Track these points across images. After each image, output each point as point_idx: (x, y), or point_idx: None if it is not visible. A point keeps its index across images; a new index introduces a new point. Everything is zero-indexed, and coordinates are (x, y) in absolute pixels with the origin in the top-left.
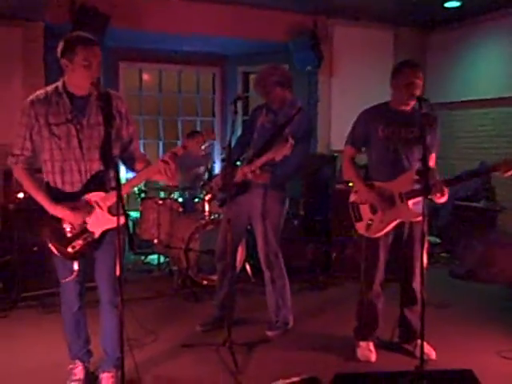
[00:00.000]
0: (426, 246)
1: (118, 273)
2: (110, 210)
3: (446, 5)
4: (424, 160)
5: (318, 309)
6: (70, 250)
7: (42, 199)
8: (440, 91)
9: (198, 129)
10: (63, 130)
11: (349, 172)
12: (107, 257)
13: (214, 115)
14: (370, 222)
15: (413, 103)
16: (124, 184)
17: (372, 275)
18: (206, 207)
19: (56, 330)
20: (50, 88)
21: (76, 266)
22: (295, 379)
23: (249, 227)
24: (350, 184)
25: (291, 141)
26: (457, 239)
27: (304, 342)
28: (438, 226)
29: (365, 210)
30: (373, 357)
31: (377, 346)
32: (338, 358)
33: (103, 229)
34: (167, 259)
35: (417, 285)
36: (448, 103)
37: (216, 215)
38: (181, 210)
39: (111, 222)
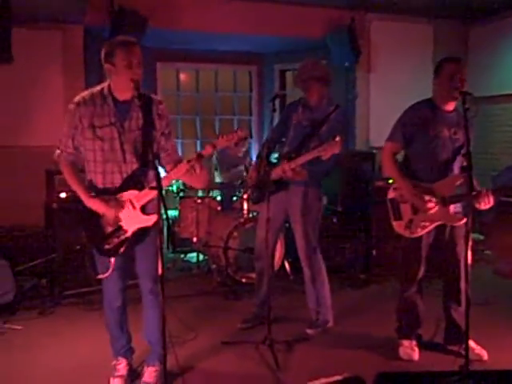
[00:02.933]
0: (470, 243)
1: (159, 270)
2: (142, 209)
3: None
4: (469, 159)
5: (359, 307)
6: (106, 246)
7: (80, 190)
8: (481, 85)
9: (235, 127)
10: (106, 132)
11: (391, 169)
12: (146, 252)
13: (251, 114)
14: (409, 223)
15: (455, 101)
16: (147, 190)
17: (413, 274)
18: (245, 205)
19: (99, 327)
20: (95, 90)
21: (112, 263)
22: (338, 378)
23: (287, 225)
24: (390, 181)
25: (339, 139)
26: (501, 236)
27: (344, 341)
28: (481, 223)
29: (406, 209)
30: (415, 355)
31: (420, 345)
32: (379, 357)
33: (136, 227)
34: (206, 257)
35: (463, 284)
36: (490, 97)
37: (255, 213)
38: (219, 208)
39: (144, 221)
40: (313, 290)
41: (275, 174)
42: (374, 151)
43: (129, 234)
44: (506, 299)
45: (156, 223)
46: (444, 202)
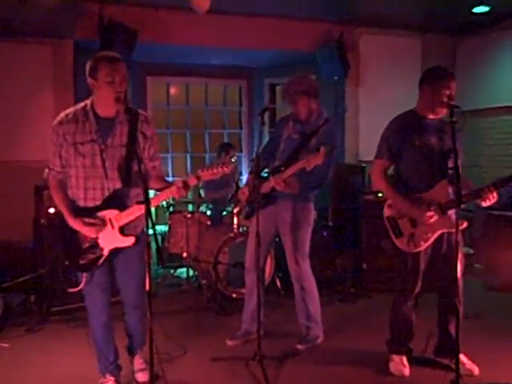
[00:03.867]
0: (460, 256)
1: (147, 287)
2: (121, 230)
3: (475, 10)
4: (456, 169)
5: (349, 321)
6: (81, 261)
7: (64, 210)
8: (470, 98)
9: (226, 141)
10: (88, 148)
11: (382, 187)
12: (128, 267)
13: (241, 127)
14: (411, 237)
15: (443, 112)
16: (129, 211)
17: (410, 288)
18: (235, 220)
19: (88, 344)
20: (79, 106)
21: (84, 277)
22: None
23: (277, 239)
24: (380, 194)
25: (323, 150)
26: (491, 250)
27: (335, 356)
28: (471, 237)
29: (404, 224)
30: (406, 371)
31: (410, 360)
32: (370, 373)
33: (112, 247)
34: (196, 273)
35: (460, 298)
36: (478, 110)
37: (245, 228)
38: (209, 223)
39: (121, 241)
40: (303, 305)
41: (265, 187)
42: (364, 165)
43: (105, 252)
44: (496, 313)
45: (136, 243)
46: (441, 208)
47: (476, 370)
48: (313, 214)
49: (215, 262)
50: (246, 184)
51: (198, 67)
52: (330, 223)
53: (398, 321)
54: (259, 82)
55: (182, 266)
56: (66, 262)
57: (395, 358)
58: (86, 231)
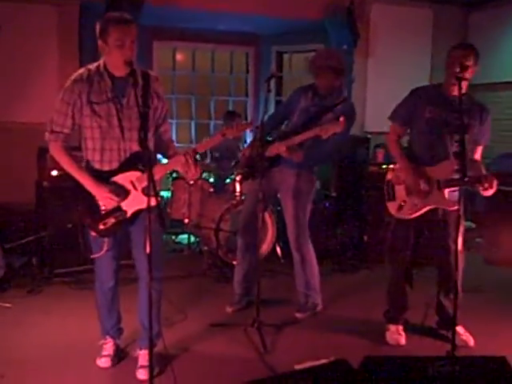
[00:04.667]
0: (461, 229)
1: (148, 250)
2: (143, 191)
3: None
4: (462, 147)
5: (349, 292)
6: (101, 226)
7: (83, 177)
8: (481, 71)
9: (231, 109)
10: (104, 108)
11: (393, 149)
12: (143, 234)
13: (247, 95)
14: (402, 204)
15: (464, 88)
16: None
17: (401, 259)
18: (237, 188)
19: (89, 306)
20: (92, 67)
21: (106, 243)
22: (324, 361)
23: (279, 208)
24: (384, 166)
25: (343, 119)
26: (493, 225)
27: (333, 325)
28: (473, 211)
29: (400, 190)
30: (402, 340)
31: (408, 330)
32: (367, 342)
33: (136, 208)
34: (197, 239)
35: (456, 272)
36: (487, 84)
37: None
38: (212, 190)
39: (144, 203)
40: (302, 274)
41: (270, 151)
42: (369, 136)
43: (128, 214)
44: (496, 287)
45: (156, 206)
46: (438, 185)
47: (471, 341)
48: (315, 185)
49: (217, 229)
50: (248, 146)
51: (205, 32)
52: (333, 194)
53: (392, 291)
54: (266, 49)
55: (183, 232)
56: (87, 228)
57: (391, 327)
58: (110, 201)
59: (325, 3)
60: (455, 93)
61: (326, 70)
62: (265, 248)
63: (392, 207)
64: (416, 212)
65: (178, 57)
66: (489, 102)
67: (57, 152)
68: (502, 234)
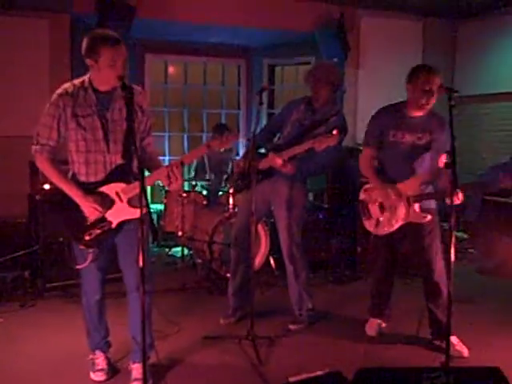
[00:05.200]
0: (453, 240)
1: (140, 263)
2: (129, 202)
3: None
4: (452, 153)
5: (343, 303)
6: (86, 237)
7: (68, 187)
8: (469, 83)
9: (223, 121)
10: (89, 121)
11: (365, 169)
12: (130, 245)
13: (239, 108)
14: (377, 221)
15: (427, 108)
16: (135, 184)
17: (382, 260)
18: (230, 200)
19: (81, 320)
20: (76, 82)
21: (91, 254)
22: (318, 373)
23: (272, 220)
24: None
25: (337, 132)
26: (485, 235)
27: (327, 336)
28: (465, 221)
29: (374, 209)
30: (372, 331)
31: (402, 341)
32: (361, 354)
33: (121, 219)
34: (191, 252)
35: (438, 278)
36: (477, 96)
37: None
38: (205, 202)
39: (129, 213)
40: (296, 286)
41: (263, 163)
42: (361, 147)
43: (113, 225)
44: (489, 297)
45: (143, 217)
46: (408, 201)
47: (465, 352)
48: (307, 197)
49: (210, 242)
50: (243, 157)
51: (197, 45)
52: (326, 205)
53: (374, 290)
54: (258, 61)
55: (176, 245)
56: (72, 239)
57: (372, 320)
58: (95, 211)
59: (315, 16)
60: (418, 114)
61: (325, 83)
62: (258, 260)
63: (369, 225)
64: (392, 227)
65: (170, 70)
66: (479, 114)
67: (42, 164)
68: (494, 245)
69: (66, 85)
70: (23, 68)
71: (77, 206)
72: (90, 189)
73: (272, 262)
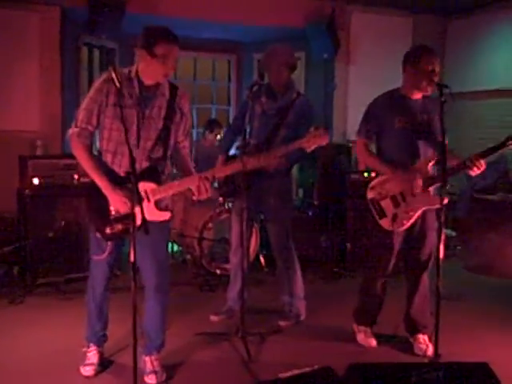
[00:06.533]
0: (442, 237)
1: (132, 259)
2: (156, 204)
3: None
4: (443, 145)
5: (332, 300)
6: (108, 230)
7: (99, 178)
8: (459, 80)
9: (213, 117)
10: (127, 113)
11: (369, 160)
12: (150, 244)
13: (229, 103)
14: (394, 216)
15: (429, 89)
16: (165, 187)
17: (384, 265)
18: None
19: (71, 316)
20: (122, 71)
21: (109, 246)
22: (309, 369)
23: (262, 216)
24: (365, 174)
25: (324, 131)
26: (473, 232)
27: (317, 333)
28: (454, 219)
29: (387, 204)
30: (373, 342)
31: (381, 339)
32: (351, 349)
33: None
34: (181, 248)
35: (426, 274)
36: (468, 92)
37: (230, 204)
38: (195, 198)
39: (156, 216)
40: (285, 282)
41: (252, 165)
42: (351, 144)
43: (137, 224)
44: (477, 294)
45: (171, 218)
46: (424, 184)
47: (430, 351)
48: (293, 190)
49: (200, 238)
50: (222, 162)
51: (187, 40)
52: (316, 202)
53: (368, 295)
54: (248, 57)
55: None
56: (93, 229)
57: (361, 329)
58: (123, 205)
59: (306, 12)
60: (417, 96)
61: (286, 66)
62: (249, 259)
63: (385, 223)
64: (411, 219)
65: None
66: (467, 111)
67: (78, 149)
68: (483, 242)
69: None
70: (12, 62)
71: (102, 197)
72: (120, 182)
73: (262, 259)
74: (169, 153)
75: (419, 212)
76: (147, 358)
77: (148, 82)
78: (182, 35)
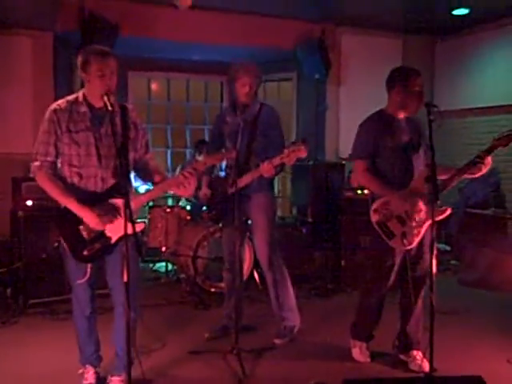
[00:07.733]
0: (435, 252)
1: (125, 278)
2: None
3: (454, 12)
4: (432, 163)
5: (326, 317)
6: (85, 252)
7: (69, 202)
8: (448, 98)
9: (206, 137)
10: (82, 137)
11: (371, 184)
12: (121, 263)
13: None
14: (403, 235)
15: (414, 109)
16: (143, 194)
17: (383, 283)
18: None
19: (64, 337)
20: (70, 98)
21: (89, 268)
22: None
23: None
24: (359, 191)
25: (303, 144)
26: (466, 247)
27: (312, 349)
28: (447, 233)
29: (393, 224)
30: (368, 358)
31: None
32: (345, 366)
33: (121, 234)
34: (175, 267)
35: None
36: (456, 110)
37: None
38: (188, 217)
39: (128, 230)
40: (276, 295)
41: (244, 182)
42: (343, 162)
43: (113, 241)
44: (471, 308)
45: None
46: (424, 200)
47: (426, 367)
48: (275, 202)
49: (194, 256)
50: (206, 185)
51: (180, 62)
52: (310, 219)
53: (364, 310)
54: None
55: (160, 260)
56: (70, 254)
57: (357, 344)
58: (96, 223)
59: (297, 33)
60: (401, 115)
61: (259, 80)
62: (243, 273)
63: (396, 243)
64: (419, 234)
65: (153, 86)
66: (457, 128)
67: (42, 181)
68: (476, 256)
69: (59, 101)
70: (5, 86)
71: (76, 222)
72: (91, 202)
73: (256, 276)
74: (131, 168)
75: (426, 226)
76: (112, 379)
77: (96, 103)
78: (174, 57)
